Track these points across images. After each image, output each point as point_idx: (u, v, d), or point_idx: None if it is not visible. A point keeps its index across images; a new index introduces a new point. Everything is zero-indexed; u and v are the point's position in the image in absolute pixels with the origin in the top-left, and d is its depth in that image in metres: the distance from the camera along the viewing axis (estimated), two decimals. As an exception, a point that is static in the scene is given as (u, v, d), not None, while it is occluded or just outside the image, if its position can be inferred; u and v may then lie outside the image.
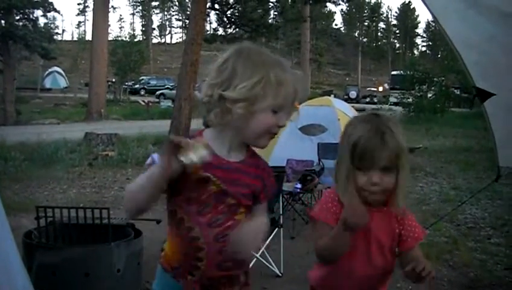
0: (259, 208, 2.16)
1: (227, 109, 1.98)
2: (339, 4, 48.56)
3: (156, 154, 2.07)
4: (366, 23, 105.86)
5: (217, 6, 24.01)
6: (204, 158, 1.86)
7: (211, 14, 26.76)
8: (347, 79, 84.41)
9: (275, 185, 2.29)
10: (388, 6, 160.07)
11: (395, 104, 36.71)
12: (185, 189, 2.02)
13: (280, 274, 5.71)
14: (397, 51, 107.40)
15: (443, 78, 34.34)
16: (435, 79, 33.68)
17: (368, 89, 67.98)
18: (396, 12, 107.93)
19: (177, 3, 76.22)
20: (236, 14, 24.74)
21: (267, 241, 5.58)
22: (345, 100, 28.26)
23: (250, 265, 5.26)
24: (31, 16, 28.73)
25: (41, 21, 40.13)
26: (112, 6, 78.99)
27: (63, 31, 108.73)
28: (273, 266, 5.71)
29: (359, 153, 2.17)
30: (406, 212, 2.38)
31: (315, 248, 2.32)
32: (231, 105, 1.97)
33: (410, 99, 32.57)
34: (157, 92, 47.42)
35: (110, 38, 35.77)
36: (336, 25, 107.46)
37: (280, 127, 2.06)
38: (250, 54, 2.07)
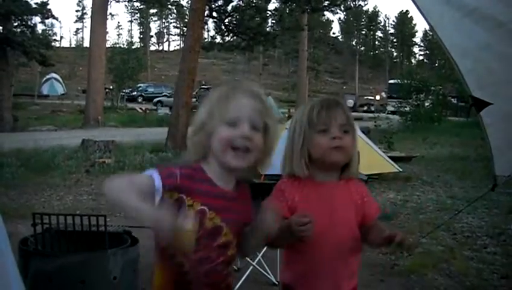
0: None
1: (195, 141, 2.10)
2: (337, 13, 48.78)
3: (155, 172, 2.01)
4: (363, 32, 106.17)
5: (215, 14, 24.10)
6: (189, 247, 1.84)
7: (208, 22, 26.85)
8: (344, 87, 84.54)
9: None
10: (386, 15, 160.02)
11: (393, 112, 36.75)
12: None
13: (276, 282, 5.69)
14: (394, 60, 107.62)
15: (440, 87, 34.48)
16: (432, 88, 33.79)
17: (365, 97, 67.99)
18: (393, 21, 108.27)
19: (175, 10, 76.48)
20: (234, 22, 24.81)
21: (264, 249, 5.57)
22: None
23: (246, 273, 5.29)
24: (29, 23, 28.78)
25: (39, 28, 40.29)
26: (110, 14, 79.17)
27: (61, 37, 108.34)
28: (269, 274, 5.69)
29: (318, 111, 2.31)
30: (361, 183, 2.48)
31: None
32: (196, 137, 2.09)
33: (407, 108, 32.64)
34: (155, 100, 47.43)
35: (108, 45, 35.86)
36: (333, 33, 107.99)
37: (245, 139, 2.03)
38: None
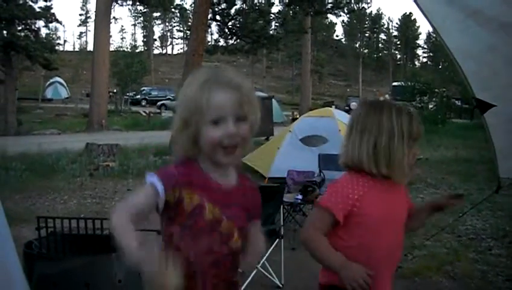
0: (256, 226, 2.21)
1: (182, 137, 2.07)
2: (340, 15, 48.51)
3: (155, 177, 2.04)
4: (367, 34, 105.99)
5: (218, 17, 24.12)
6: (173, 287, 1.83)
7: (212, 26, 26.82)
8: (348, 90, 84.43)
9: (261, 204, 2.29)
10: (389, 18, 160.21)
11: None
12: (181, 218, 2.04)
13: (281, 285, 5.70)
14: (398, 62, 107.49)
15: (444, 89, 34.46)
16: (435, 90, 33.77)
17: (369, 100, 67.88)
18: (397, 23, 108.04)
19: (178, 14, 76.53)
20: (238, 25, 24.83)
21: (268, 252, 5.58)
22: (346, 111, 28.19)
23: (251, 276, 5.29)
24: (33, 27, 28.86)
25: (43, 32, 40.47)
26: (114, 17, 79.14)
27: (65, 41, 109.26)
28: (273, 277, 5.70)
29: (417, 126, 2.49)
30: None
31: (305, 233, 2.43)
32: (181, 136, 2.06)
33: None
34: (159, 103, 47.50)
35: (111, 49, 35.97)
36: (336, 36, 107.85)
37: (231, 137, 2.01)
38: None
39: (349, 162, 2.43)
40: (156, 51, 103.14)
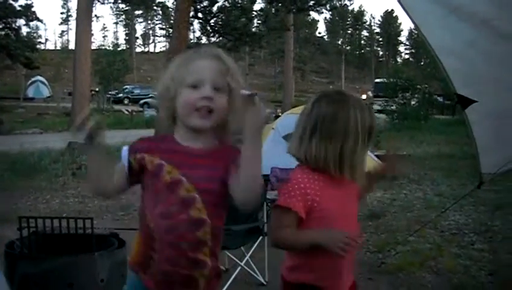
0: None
1: (163, 107, 2.16)
2: (322, 12, 48.66)
3: (125, 147, 2.14)
4: (349, 31, 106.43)
5: (200, 15, 24.04)
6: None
7: (194, 23, 26.70)
8: (331, 87, 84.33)
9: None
10: (371, 15, 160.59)
11: (379, 111, 36.70)
12: (145, 180, 2.11)
13: (265, 282, 5.69)
14: (380, 59, 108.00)
15: (426, 86, 34.65)
16: (418, 86, 33.90)
17: (352, 96, 68.04)
18: (379, 20, 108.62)
19: (160, 12, 76.28)
20: (220, 23, 24.77)
21: (251, 250, 5.57)
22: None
23: (234, 274, 5.28)
24: (14, 25, 28.71)
25: (24, 30, 40.17)
26: (95, 15, 78.75)
27: (46, 40, 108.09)
28: (257, 275, 5.69)
29: None
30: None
31: (273, 237, 2.45)
32: (162, 102, 2.17)
33: (393, 107, 32.67)
34: (141, 101, 47.21)
35: (93, 47, 35.79)
36: (319, 33, 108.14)
37: (206, 99, 2.05)
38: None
39: (310, 161, 2.35)
40: (138, 49, 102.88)
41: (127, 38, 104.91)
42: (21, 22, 31.13)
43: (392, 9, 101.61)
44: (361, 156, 2.36)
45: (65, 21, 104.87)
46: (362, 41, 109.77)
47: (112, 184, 2.18)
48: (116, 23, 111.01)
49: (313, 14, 76.67)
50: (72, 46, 58.52)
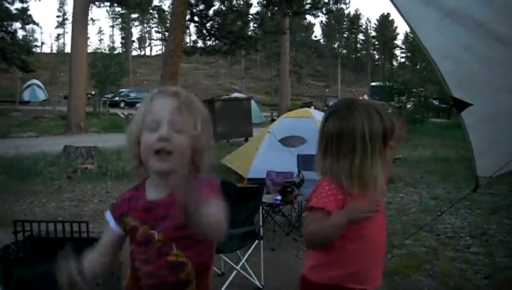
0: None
1: (131, 154, 2.11)
2: (318, 16, 48.80)
3: (108, 213, 2.17)
4: (345, 35, 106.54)
5: (196, 18, 24.08)
6: None
7: (190, 27, 26.80)
8: (327, 90, 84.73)
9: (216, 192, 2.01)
10: (367, 18, 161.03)
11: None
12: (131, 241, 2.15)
13: (260, 286, 5.69)
14: (376, 62, 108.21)
15: (422, 89, 34.65)
16: (413, 90, 33.94)
17: (348, 100, 68.06)
18: (375, 24, 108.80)
19: (156, 15, 76.23)
20: (216, 26, 24.82)
21: (247, 253, 5.57)
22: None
23: (230, 278, 5.27)
24: (10, 29, 28.66)
25: (20, 33, 40.08)
26: (91, 19, 78.91)
27: (42, 43, 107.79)
28: (253, 278, 5.69)
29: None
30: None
31: (305, 233, 2.40)
32: (129, 148, 2.10)
33: (389, 110, 32.68)
34: (137, 105, 46.69)
35: (89, 51, 35.66)
36: (315, 36, 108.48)
37: (163, 141, 1.97)
38: None
39: (329, 175, 2.40)
40: (134, 53, 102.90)
41: (123, 41, 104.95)
42: (17, 25, 31.17)
43: (388, 13, 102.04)
44: (374, 169, 2.33)
45: (61, 24, 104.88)
46: (358, 45, 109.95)
47: (111, 258, 2.22)
48: (112, 26, 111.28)
49: (309, 18, 77.30)
50: (68, 49, 58.55)
